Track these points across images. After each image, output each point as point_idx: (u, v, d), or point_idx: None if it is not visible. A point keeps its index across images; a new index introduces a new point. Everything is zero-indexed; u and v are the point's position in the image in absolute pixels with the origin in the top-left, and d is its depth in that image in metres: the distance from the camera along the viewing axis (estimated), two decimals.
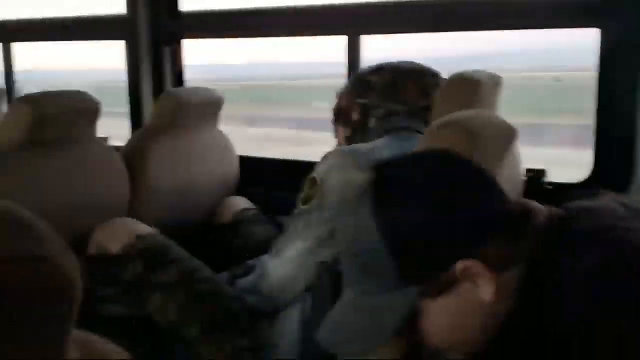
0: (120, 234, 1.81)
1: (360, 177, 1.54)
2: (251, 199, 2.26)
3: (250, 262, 1.76)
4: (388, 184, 0.90)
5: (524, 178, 1.94)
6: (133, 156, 2.00)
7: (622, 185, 1.84)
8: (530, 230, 0.88)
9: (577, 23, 1.92)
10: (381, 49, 2.46)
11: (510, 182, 1.69)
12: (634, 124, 1.82)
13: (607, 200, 0.94)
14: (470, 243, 0.85)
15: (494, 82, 1.69)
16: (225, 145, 2.30)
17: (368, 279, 0.90)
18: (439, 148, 1.04)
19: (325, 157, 1.62)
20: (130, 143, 2.06)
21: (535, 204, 0.94)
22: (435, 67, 1.83)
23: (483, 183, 0.91)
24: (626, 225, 0.86)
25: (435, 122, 1.31)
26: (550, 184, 2.02)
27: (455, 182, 0.88)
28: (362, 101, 1.80)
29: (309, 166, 1.77)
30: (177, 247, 1.79)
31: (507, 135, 1.40)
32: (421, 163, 0.93)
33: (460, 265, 0.85)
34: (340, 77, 2.21)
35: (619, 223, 0.86)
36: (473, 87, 1.54)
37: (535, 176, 2.01)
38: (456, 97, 1.51)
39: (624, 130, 1.84)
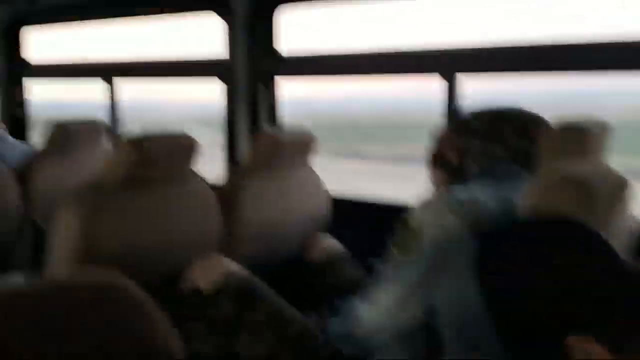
0: (212, 271, 1.83)
1: (459, 225, 1.49)
2: (340, 239, 2.25)
3: (339, 303, 1.73)
4: (495, 254, 0.85)
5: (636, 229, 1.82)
6: (228, 193, 2.04)
7: None
8: None
9: None
10: (479, 90, 2.41)
11: (622, 235, 1.59)
12: None
13: None
14: (582, 317, 0.79)
15: (602, 128, 1.61)
16: (316, 184, 2.30)
17: (471, 353, 0.85)
18: (550, 214, 0.98)
19: (422, 203, 1.57)
20: (227, 181, 2.10)
21: None
22: (532, 104, 1.78)
23: (597, 252, 0.84)
24: None
25: (547, 176, 1.25)
26: None
27: (566, 253, 0.83)
28: (460, 144, 1.75)
29: (399, 209, 1.74)
30: (265, 287, 1.79)
31: (619, 187, 1.32)
32: (530, 231, 0.87)
33: (571, 341, 0.79)
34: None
35: None
36: (584, 135, 1.47)
37: None
38: (567, 145, 1.44)
39: None
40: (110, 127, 3.22)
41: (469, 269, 0.84)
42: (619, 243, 1.57)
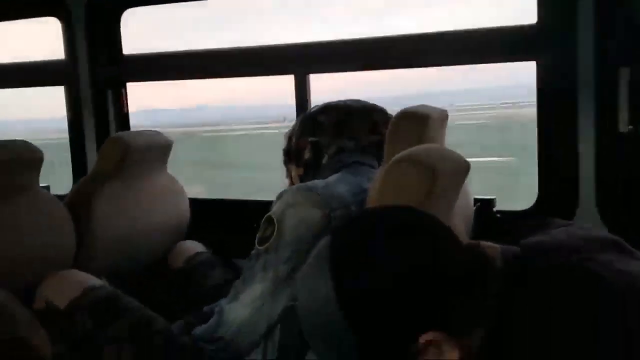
0: (67, 287, 1.73)
1: (317, 215, 1.54)
2: (205, 242, 2.22)
3: (206, 308, 1.71)
4: (345, 250, 0.86)
5: (474, 207, 1.98)
6: (78, 204, 1.94)
7: (566, 213, 1.90)
8: (489, 284, 0.86)
9: (514, 56, 2.00)
10: (330, 88, 2.49)
11: (463, 213, 1.72)
12: (575, 152, 1.89)
13: (558, 231, 0.94)
14: (431, 312, 0.83)
15: (442, 116, 1.73)
16: (174, 188, 2.25)
17: (328, 353, 0.86)
18: (395, 199, 1.01)
19: (279, 196, 1.61)
20: (74, 190, 1.99)
21: (489, 247, 0.91)
22: (384, 105, 1.87)
23: (443, 247, 0.87)
24: (584, 256, 0.86)
25: (393, 158, 1.32)
26: (499, 212, 2.07)
27: (415, 248, 0.84)
28: (313, 139, 1.80)
29: (262, 206, 1.76)
30: (127, 297, 1.73)
31: (461, 169, 1.43)
32: (380, 225, 0.88)
33: (422, 339, 0.82)
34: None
35: (575, 256, 0.86)
36: (422, 122, 1.57)
37: (485, 205, 2.05)
38: (407, 132, 1.53)
39: (566, 159, 1.91)
40: None
41: (324, 264, 0.86)
42: (461, 223, 1.70)
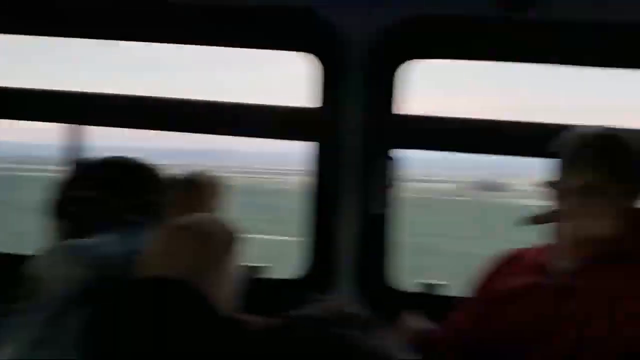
0: None
1: (82, 275, 1.46)
2: None
3: None
4: (101, 320, 0.86)
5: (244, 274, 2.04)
6: None
7: (327, 284, 2.04)
8: (245, 352, 0.90)
9: (295, 137, 2.15)
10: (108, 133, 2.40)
11: (233, 282, 1.76)
12: (338, 229, 2.05)
13: (316, 305, 1.02)
14: None
15: (216, 182, 1.79)
16: None
17: None
18: (165, 266, 1.02)
19: (44, 252, 1.50)
20: None
21: (249, 320, 0.97)
22: (159, 160, 1.87)
23: (202, 321, 0.90)
24: (337, 329, 0.94)
25: (166, 223, 1.33)
26: (269, 280, 2.15)
27: (174, 324, 0.87)
28: (82, 194, 1.73)
29: (21, 259, 1.63)
30: None
31: (230, 237, 1.48)
32: (137, 293, 0.89)
33: None
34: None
35: (333, 330, 0.94)
36: (198, 188, 1.60)
37: (254, 272, 2.12)
38: (181, 197, 1.55)
39: (329, 232, 2.07)
40: None
41: (79, 331, 0.84)
42: (231, 290, 1.74)
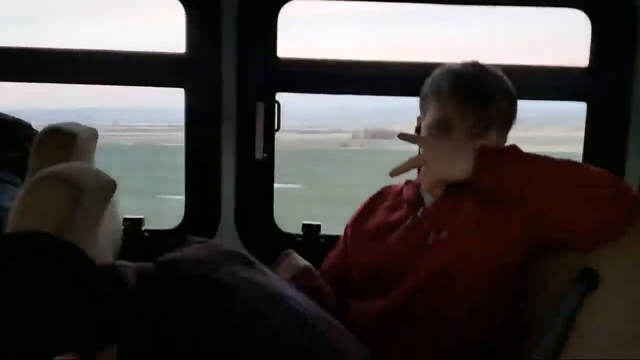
0: None
1: None
2: None
3: None
4: None
5: (123, 227, 2.01)
6: None
7: (209, 231, 2.06)
8: (121, 301, 0.92)
9: (165, 82, 2.11)
10: None
11: (110, 233, 1.73)
12: (218, 176, 2.06)
13: (193, 248, 1.05)
14: (64, 335, 0.86)
15: (90, 134, 1.73)
16: None
17: None
18: (36, 219, 1.00)
19: None
20: None
21: (123, 266, 0.98)
22: (32, 120, 1.78)
23: (75, 271, 0.90)
24: (211, 267, 0.97)
25: (36, 175, 1.28)
26: (147, 231, 2.14)
27: (46, 275, 0.86)
28: None
29: None
30: None
31: (107, 188, 1.45)
32: (12, 254, 0.88)
33: None
34: None
35: (203, 267, 0.97)
36: (69, 140, 1.55)
37: (133, 225, 2.10)
38: (53, 149, 1.49)
39: (209, 181, 2.07)
40: None
41: None
42: (109, 241, 1.72)
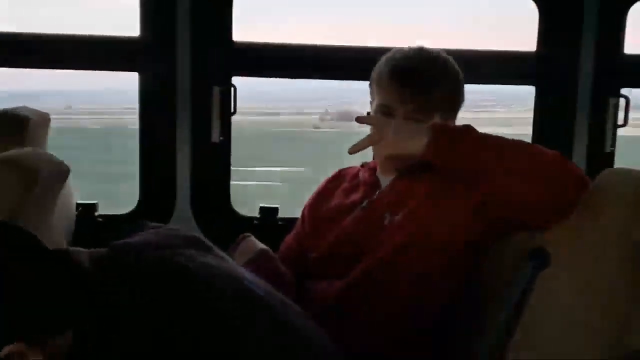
0: None
1: None
2: None
3: None
4: None
5: (76, 212, 1.98)
6: None
7: (164, 215, 2.04)
8: (74, 287, 0.91)
9: (119, 67, 2.07)
10: None
11: (64, 218, 1.71)
12: (173, 160, 2.04)
13: (148, 232, 1.04)
14: (13, 324, 0.85)
15: (43, 119, 1.69)
16: None
17: None
18: None
19: None
20: None
21: (76, 252, 0.97)
22: None
23: (30, 257, 0.89)
24: (167, 252, 0.97)
25: None
26: (101, 216, 2.11)
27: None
28: None
29: None
30: None
31: (60, 172, 1.42)
32: None
33: (2, 353, 0.83)
34: None
35: (159, 252, 0.97)
36: (21, 124, 1.52)
37: (87, 210, 2.06)
38: (4, 134, 1.46)
39: (164, 165, 2.05)
40: None
41: None
42: (62, 227, 1.69)
